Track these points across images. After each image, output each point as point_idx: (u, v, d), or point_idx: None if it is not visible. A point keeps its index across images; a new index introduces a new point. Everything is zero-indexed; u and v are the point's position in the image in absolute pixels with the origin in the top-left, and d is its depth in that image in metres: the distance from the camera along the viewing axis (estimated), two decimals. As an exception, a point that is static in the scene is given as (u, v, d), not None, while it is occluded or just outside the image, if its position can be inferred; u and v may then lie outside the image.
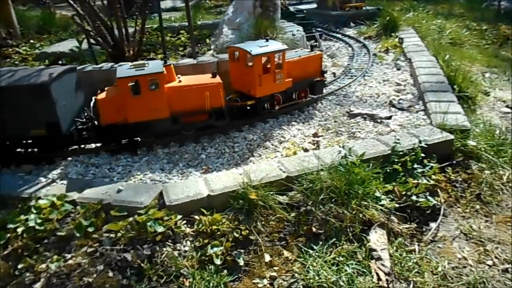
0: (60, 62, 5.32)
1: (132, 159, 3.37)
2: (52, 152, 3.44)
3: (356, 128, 3.65)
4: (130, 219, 2.51)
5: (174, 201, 2.58)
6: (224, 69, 4.16)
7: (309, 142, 3.46)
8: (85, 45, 5.24)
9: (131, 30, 5.09)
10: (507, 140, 3.54)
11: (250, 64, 3.68)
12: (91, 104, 3.46)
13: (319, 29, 7.57)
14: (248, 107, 3.81)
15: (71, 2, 4.59)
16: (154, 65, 3.44)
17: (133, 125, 3.38)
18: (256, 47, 3.68)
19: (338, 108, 4.08)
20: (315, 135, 3.53)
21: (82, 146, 3.54)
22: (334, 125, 3.77)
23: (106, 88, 3.48)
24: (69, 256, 2.36)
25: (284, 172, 2.82)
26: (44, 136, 3.32)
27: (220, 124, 3.63)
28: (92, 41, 4.81)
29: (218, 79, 3.58)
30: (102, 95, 3.37)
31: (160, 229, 2.42)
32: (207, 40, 6.22)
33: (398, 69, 5.19)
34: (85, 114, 3.58)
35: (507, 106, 4.96)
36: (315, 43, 6.33)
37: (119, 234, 2.44)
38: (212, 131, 3.67)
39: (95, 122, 3.46)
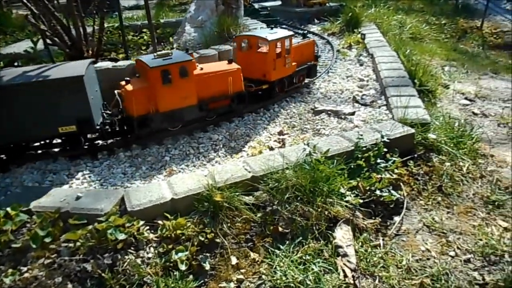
0: (16, 64, 5.07)
1: (92, 163, 3.25)
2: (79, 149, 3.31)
3: (320, 125, 3.66)
4: (90, 227, 2.41)
5: (136, 206, 2.50)
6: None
7: (275, 141, 3.45)
8: (41, 46, 5.02)
9: (90, 29, 4.92)
10: (466, 132, 3.65)
11: (264, 50, 3.94)
12: (116, 97, 3.37)
13: (284, 26, 7.58)
14: (260, 92, 4.02)
15: (25, 1, 4.38)
16: (179, 54, 3.52)
17: (164, 114, 3.38)
18: (268, 34, 3.95)
19: (303, 105, 4.09)
20: (280, 133, 3.52)
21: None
22: (299, 123, 3.77)
23: (129, 80, 3.35)
24: (25, 269, 2.24)
25: (249, 172, 2.79)
26: (73, 133, 3.17)
27: (240, 108, 3.84)
28: (48, 41, 4.61)
29: (236, 65, 3.74)
30: (131, 87, 3.29)
31: (122, 236, 2.33)
32: (170, 39, 6.11)
33: (361, 65, 5.26)
34: (106, 108, 3.51)
35: (466, 98, 5.12)
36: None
37: (78, 244, 2.34)
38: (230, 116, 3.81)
39: (122, 115, 3.40)
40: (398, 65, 4.70)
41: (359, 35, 6.33)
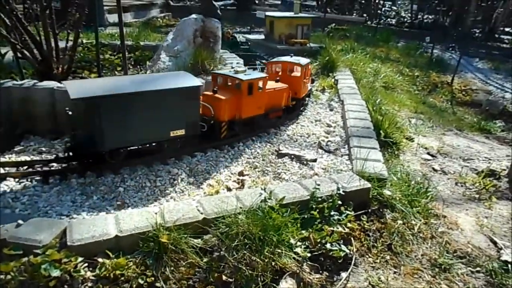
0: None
1: (42, 187, 3.14)
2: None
3: (282, 168, 3.68)
4: (25, 259, 2.30)
5: (77, 241, 2.41)
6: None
7: (234, 181, 3.43)
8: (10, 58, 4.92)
9: (65, 44, 4.85)
10: (421, 190, 3.73)
11: (297, 73, 4.85)
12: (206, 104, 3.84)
13: (263, 60, 7.69)
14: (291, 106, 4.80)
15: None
16: (255, 72, 4.34)
17: (244, 120, 4.05)
18: (298, 61, 4.92)
19: (268, 146, 4.11)
20: (240, 173, 3.50)
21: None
22: (261, 164, 3.77)
23: (216, 91, 3.88)
24: None
25: (201, 213, 2.75)
26: (180, 136, 3.54)
27: (291, 117, 4.83)
28: (19, 54, 4.53)
29: (285, 84, 4.58)
30: (223, 96, 3.84)
31: (56, 273, 2.23)
32: (147, 63, 6.10)
33: (331, 110, 5.36)
34: None
35: (428, 153, 5.27)
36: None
37: (9, 276, 2.22)
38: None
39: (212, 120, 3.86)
40: (365, 115, 4.81)
41: (333, 80, 6.49)
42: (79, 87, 3.04)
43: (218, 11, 5.11)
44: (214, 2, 5.11)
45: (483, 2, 16.11)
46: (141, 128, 3.29)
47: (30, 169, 3.31)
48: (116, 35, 9.55)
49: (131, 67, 6.07)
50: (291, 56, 5.16)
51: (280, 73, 4.96)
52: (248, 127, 4.18)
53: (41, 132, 3.92)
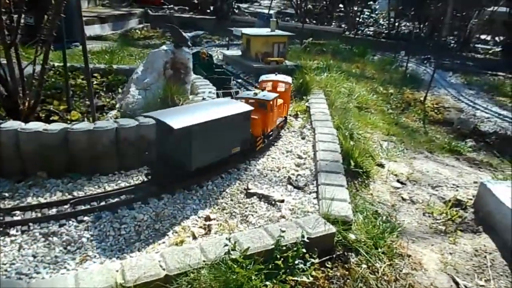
0: None
1: (3, 240, 3.08)
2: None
3: (250, 210, 3.69)
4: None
5: (34, 309, 2.38)
6: (124, 136, 4.03)
7: (200, 227, 3.42)
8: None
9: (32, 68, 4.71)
10: (387, 229, 3.79)
11: (282, 89, 5.54)
12: None
13: (239, 80, 7.70)
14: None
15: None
16: (265, 94, 4.96)
17: (268, 134, 4.88)
18: (284, 78, 5.74)
19: (237, 184, 4.11)
20: (207, 218, 3.50)
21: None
22: (230, 204, 3.78)
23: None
24: None
25: (164, 269, 2.74)
26: (236, 153, 4.23)
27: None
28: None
29: (281, 99, 5.29)
30: (256, 116, 4.51)
31: None
32: (119, 89, 6.04)
33: (303, 138, 5.40)
34: None
35: (398, 181, 5.35)
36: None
37: None
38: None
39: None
40: (335, 146, 4.86)
41: (307, 103, 6.54)
42: (171, 118, 3.57)
43: (189, 42, 5.09)
44: (184, 34, 5.10)
45: (458, 13, 16.45)
46: (215, 148, 3.95)
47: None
48: (92, 51, 9.42)
49: (102, 93, 6.01)
50: (276, 74, 5.84)
51: (271, 90, 5.50)
52: (269, 138, 5.00)
53: (6, 174, 3.84)
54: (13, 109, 4.40)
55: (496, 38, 18.27)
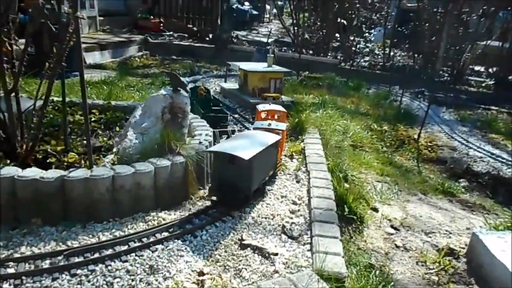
0: None
1: (-6, 296, 3.07)
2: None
3: (243, 263, 3.70)
4: None
5: None
6: (121, 184, 4.07)
7: (194, 282, 3.43)
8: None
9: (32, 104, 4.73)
10: (380, 283, 3.81)
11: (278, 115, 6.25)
12: None
13: (232, 120, 7.73)
14: None
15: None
16: (277, 124, 5.71)
17: (280, 159, 5.79)
18: (278, 107, 6.36)
19: (232, 234, 4.13)
20: (200, 273, 3.51)
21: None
22: (223, 256, 3.79)
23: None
24: None
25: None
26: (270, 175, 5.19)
27: None
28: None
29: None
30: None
31: None
32: (117, 128, 6.09)
33: (298, 182, 5.45)
34: None
35: (392, 226, 5.39)
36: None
37: None
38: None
39: None
40: (329, 193, 4.91)
41: (302, 144, 6.62)
42: (237, 151, 4.32)
43: (187, 87, 5.19)
44: (183, 79, 5.20)
45: (452, 47, 16.82)
46: (261, 172, 4.72)
47: None
48: (91, 81, 9.54)
49: (100, 131, 6.06)
50: (270, 104, 6.56)
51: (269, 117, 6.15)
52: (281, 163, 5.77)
53: (1, 221, 3.85)
54: (11, 152, 4.43)
55: (490, 70, 18.64)
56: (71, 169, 4.10)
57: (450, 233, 5.29)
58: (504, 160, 7.87)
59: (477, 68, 18.60)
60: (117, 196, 4.09)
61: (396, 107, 10.86)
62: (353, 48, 18.60)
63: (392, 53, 18.54)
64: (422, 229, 5.34)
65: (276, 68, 9.48)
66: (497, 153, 8.28)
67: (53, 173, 3.92)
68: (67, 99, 5.61)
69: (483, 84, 16.69)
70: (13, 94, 4.33)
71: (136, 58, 14.65)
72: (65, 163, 4.78)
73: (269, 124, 5.54)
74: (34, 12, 4.24)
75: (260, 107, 6.37)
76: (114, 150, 4.83)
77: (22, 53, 4.32)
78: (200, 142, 5.03)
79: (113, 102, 6.85)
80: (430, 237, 5.19)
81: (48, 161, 4.71)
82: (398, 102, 11.20)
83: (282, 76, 9.34)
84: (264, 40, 21.85)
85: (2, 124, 4.39)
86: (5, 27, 4.07)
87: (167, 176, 4.41)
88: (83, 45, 13.72)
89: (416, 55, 17.51)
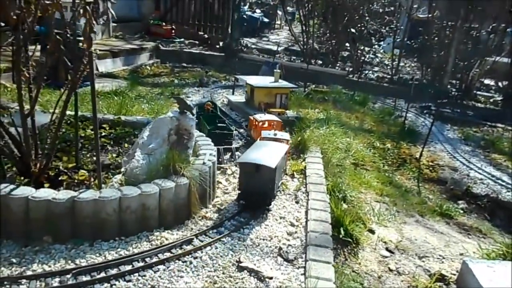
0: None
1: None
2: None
3: (239, 285, 3.92)
4: None
5: None
6: (127, 205, 4.32)
7: (192, 304, 3.65)
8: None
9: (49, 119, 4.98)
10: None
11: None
12: None
13: (237, 134, 7.94)
14: None
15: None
16: (282, 134, 6.58)
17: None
18: (271, 117, 7.39)
19: (230, 255, 4.35)
20: (198, 296, 3.73)
21: None
22: (221, 278, 4.01)
23: None
24: None
25: None
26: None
27: None
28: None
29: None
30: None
31: None
32: (126, 145, 6.35)
33: (297, 202, 5.65)
34: None
35: (387, 249, 5.56)
36: (231, 158, 6.74)
37: None
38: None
39: None
40: (326, 216, 5.11)
41: (303, 163, 6.82)
42: (264, 161, 5.08)
43: (193, 110, 5.44)
44: (189, 102, 5.46)
45: (461, 61, 16.87)
46: (279, 178, 5.50)
47: None
48: (103, 90, 9.80)
49: (110, 147, 6.32)
50: (265, 114, 7.53)
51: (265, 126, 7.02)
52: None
53: (14, 238, 4.12)
54: (25, 170, 4.70)
55: (499, 84, 18.63)
56: (81, 190, 4.35)
57: (444, 258, 5.45)
58: (503, 183, 7.98)
59: (486, 82, 18.63)
60: (123, 216, 4.34)
61: (400, 124, 11.00)
62: (362, 58, 18.77)
63: (401, 65, 18.67)
64: (416, 253, 5.51)
65: (283, 83, 9.70)
66: (498, 175, 8.40)
67: (64, 194, 4.18)
68: (79, 113, 5.86)
69: (491, 100, 16.75)
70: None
71: (147, 66, 14.96)
72: (76, 181, 5.05)
73: (275, 134, 6.29)
74: (50, 46, 4.52)
75: (257, 117, 7.26)
76: (122, 170, 5.08)
77: (38, 79, 4.59)
78: (204, 163, 5.26)
79: (123, 117, 7.11)
80: (423, 261, 5.36)
81: (60, 178, 4.98)
82: (403, 118, 11.31)
83: (288, 91, 9.55)
84: (274, 48, 22.13)
85: (17, 143, 4.65)
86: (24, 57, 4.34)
87: (171, 197, 4.65)
88: (95, 53, 14.13)
89: (424, 68, 17.60)
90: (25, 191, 4.15)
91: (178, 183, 4.72)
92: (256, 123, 7.12)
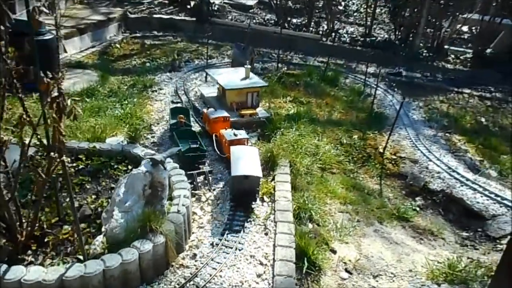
0: None
1: None
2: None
3: None
4: None
5: None
6: (110, 275, 4.84)
7: None
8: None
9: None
10: None
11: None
12: None
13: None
14: None
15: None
16: (240, 132, 7.76)
17: None
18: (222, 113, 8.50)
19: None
20: None
21: None
22: (198, 336, 4.69)
23: None
24: None
25: None
26: None
27: None
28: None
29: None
30: None
31: None
32: (103, 182, 6.69)
33: (266, 234, 6.24)
34: None
35: (345, 270, 6.31)
36: (205, 180, 7.18)
37: None
38: None
39: None
40: (291, 254, 5.71)
41: (273, 183, 7.32)
42: (252, 171, 6.51)
43: (165, 164, 5.77)
44: (159, 155, 5.77)
45: (432, 19, 16.86)
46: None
47: None
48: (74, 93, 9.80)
49: (88, 186, 6.66)
50: (216, 110, 8.68)
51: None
52: None
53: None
54: (12, 240, 5.12)
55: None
56: (67, 266, 4.81)
57: (394, 276, 6.25)
58: (458, 177, 8.68)
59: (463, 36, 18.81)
60: (108, 283, 4.88)
61: (369, 106, 11.37)
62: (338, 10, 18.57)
63: (373, 26, 18.58)
64: (371, 272, 6.28)
65: (254, 80, 9.86)
66: (454, 166, 9.07)
67: (53, 274, 4.65)
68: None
69: (462, 57, 17.04)
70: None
71: (117, 44, 14.60)
72: (61, 238, 5.49)
73: (235, 135, 7.53)
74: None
75: (210, 113, 8.46)
76: (103, 229, 5.50)
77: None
78: (179, 211, 5.72)
79: (97, 146, 7.33)
80: (377, 280, 6.15)
81: (45, 240, 5.40)
82: (372, 97, 11.66)
83: (259, 90, 9.74)
84: (248, 3, 21.46)
85: (2, 218, 5.00)
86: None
87: (150, 257, 5.17)
88: (62, 31, 13.63)
89: (397, 28, 17.57)
90: (17, 273, 4.61)
91: (155, 243, 5.21)
92: (209, 119, 8.36)
